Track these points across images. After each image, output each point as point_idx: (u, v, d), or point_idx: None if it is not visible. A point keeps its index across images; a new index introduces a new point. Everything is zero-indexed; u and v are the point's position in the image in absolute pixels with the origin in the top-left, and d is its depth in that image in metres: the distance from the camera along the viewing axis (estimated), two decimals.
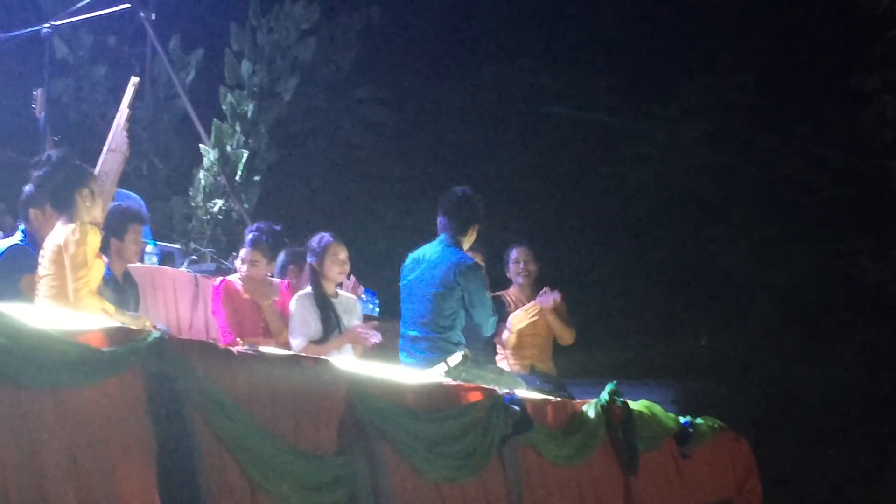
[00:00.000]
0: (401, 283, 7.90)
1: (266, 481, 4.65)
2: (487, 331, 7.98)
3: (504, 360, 9.01)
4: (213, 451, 4.48)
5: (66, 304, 5.98)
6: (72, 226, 6.07)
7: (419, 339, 7.67)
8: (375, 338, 7.58)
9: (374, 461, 5.28)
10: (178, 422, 4.35)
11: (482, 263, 8.08)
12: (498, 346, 9.06)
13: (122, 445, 4.19)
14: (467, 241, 7.87)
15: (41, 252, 6.25)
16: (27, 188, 7.01)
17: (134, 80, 7.82)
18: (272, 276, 8.12)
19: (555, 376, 9.12)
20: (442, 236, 7.82)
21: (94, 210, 6.26)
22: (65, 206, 6.19)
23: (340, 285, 7.95)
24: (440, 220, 7.85)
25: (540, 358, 9.15)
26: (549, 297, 8.88)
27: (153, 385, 4.34)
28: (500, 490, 6.42)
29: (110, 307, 6.14)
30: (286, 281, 8.23)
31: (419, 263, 7.80)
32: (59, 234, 6.13)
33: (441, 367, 7.52)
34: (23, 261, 6.67)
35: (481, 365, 7.82)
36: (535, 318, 8.86)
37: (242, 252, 7.91)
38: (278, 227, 8.02)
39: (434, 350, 7.60)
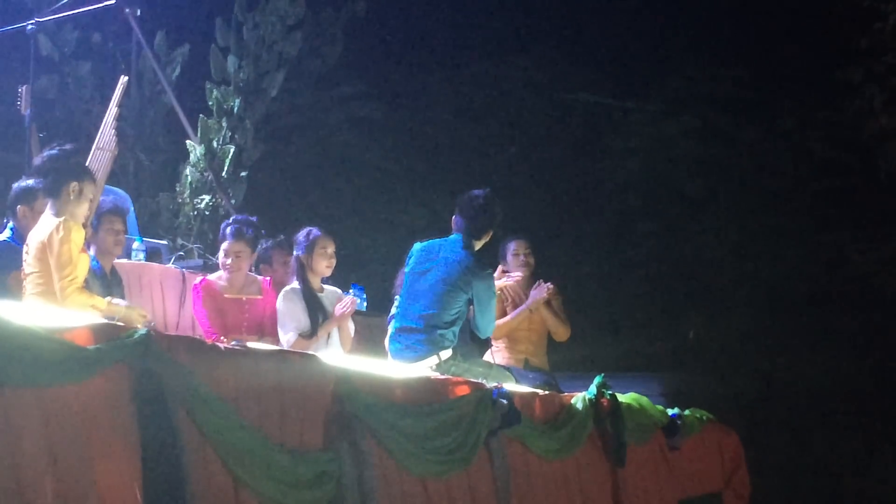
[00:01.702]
0: (406, 271, 7.84)
1: (251, 478, 4.63)
2: (484, 334, 8.01)
3: (499, 353, 8.97)
4: (197, 448, 4.46)
5: (54, 301, 5.98)
6: (55, 221, 6.07)
7: (417, 331, 7.60)
8: (352, 305, 7.77)
9: (361, 457, 5.26)
10: (163, 418, 4.32)
11: None
12: (492, 339, 9.01)
13: (106, 443, 4.17)
14: (480, 244, 7.85)
15: (25, 248, 6.25)
16: (16, 185, 7.03)
17: (123, 79, 7.81)
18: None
19: (547, 371, 9.09)
20: (458, 236, 7.75)
21: (79, 209, 6.25)
22: (52, 194, 6.22)
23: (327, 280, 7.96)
24: (457, 221, 7.78)
25: (534, 353, 9.06)
26: (543, 288, 8.83)
27: (139, 382, 4.32)
28: (488, 484, 6.41)
29: (101, 301, 6.14)
30: (268, 278, 8.20)
31: (431, 256, 7.72)
32: (43, 229, 6.13)
33: (432, 362, 7.52)
34: (10, 258, 6.67)
35: (470, 359, 7.82)
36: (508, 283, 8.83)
37: (225, 245, 7.84)
38: (254, 219, 8.00)
39: (429, 344, 7.56)
